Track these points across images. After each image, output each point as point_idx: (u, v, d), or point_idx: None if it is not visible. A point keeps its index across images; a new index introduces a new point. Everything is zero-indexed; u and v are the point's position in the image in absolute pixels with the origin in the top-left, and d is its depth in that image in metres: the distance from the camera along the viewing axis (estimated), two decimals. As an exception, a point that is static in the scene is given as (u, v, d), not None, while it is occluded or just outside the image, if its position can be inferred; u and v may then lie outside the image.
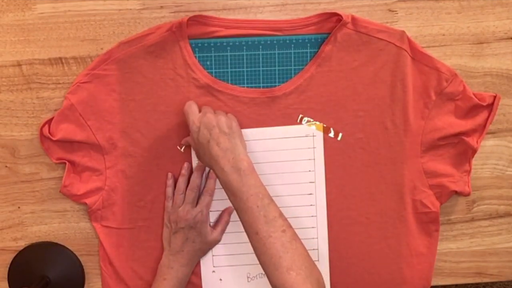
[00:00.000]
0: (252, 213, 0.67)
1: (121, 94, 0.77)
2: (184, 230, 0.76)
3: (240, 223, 0.80)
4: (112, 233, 0.80)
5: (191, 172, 0.78)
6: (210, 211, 0.80)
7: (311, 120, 0.78)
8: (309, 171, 0.79)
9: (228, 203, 0.80)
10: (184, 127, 0.78)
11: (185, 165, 0.78)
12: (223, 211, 0.80)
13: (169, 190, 0.78)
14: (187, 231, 0.76)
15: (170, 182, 0.78)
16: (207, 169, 0.79)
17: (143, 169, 0.79)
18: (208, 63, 0.78)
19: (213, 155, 0.69)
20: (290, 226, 0.68)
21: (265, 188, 0.69)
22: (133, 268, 0.80)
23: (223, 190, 0.79)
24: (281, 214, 0.68)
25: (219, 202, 0.80)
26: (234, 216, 0.80)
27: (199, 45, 0.77)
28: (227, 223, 0.80)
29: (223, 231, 0.79)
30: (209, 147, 0.69)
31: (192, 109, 0.72)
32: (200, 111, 0.73)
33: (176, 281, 0.76)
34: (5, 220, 0.82)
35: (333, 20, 0.77)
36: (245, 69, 0.78)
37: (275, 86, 0.78)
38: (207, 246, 0.78)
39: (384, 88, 0.77)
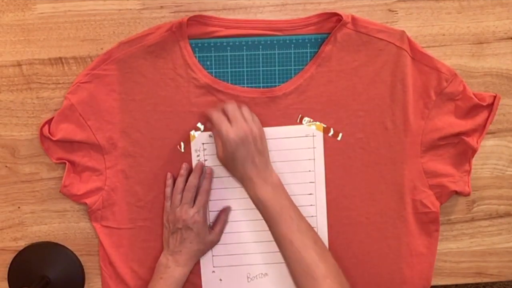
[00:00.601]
0: (286, 224, 0.70)
1: (121, 94, 0.77)
2: (182, 231, 0.76)
3: (240, 222, 0.80)
4: (112, 233, 0.80)
5: (190, 172, 0.78)
6: (210, 211, 0.80)
7: (311, 120, 0.78)
8: (309, 171, 0.79)
9: (226, 203, 0.80)
10: (184, 127, 0.78)
11: (184, 165, 0.78)
12: (220, 212, 0.80)
13: (168, 190, 0.78)
14: (184, 231, 0.76)
15: (169, 182, 0.78)
16: (205, 169, 0.79)
17: (143, 169, 0.79)
18: (208, 63, 0.78)
19: (247, 171, 0.72)
20: (320, 238, 0.72)
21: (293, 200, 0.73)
22: (133, 268, 0.80)
23: (221, 190, 0.79)
24: (311, 226, 0.72)
25: (219, 202, 0.80)
26: (234, 216, 0.80)
27: (199, 45, 0.77)
28: (225, 223, 0.80)
29: (221, 232, 0.79)
30: (243, 163, 0.72)
31: (222, 119, 0.72)
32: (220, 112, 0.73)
33: (173, 280, 0.75)
34: (5, 220, 0.82)
35: (333, 20, 0.77)
36: (245, 69, 0.78)
37: (275, 86, 0.78)
38: (206, 247, 0.78)
39: (384, 88, 0.77)
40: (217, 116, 0.73)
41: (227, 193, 0.80)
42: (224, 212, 0.80)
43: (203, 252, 0.79)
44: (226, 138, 0.71)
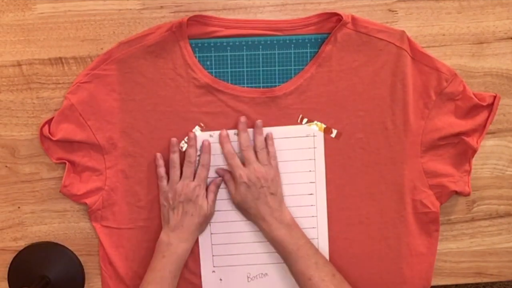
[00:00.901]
0: (304, 262, 0.72)
1: (121, 94, 0.77)
2: (183, 204, 0.75)
3: (240, 223, 0.80)
4: (112, 233, 0.80)
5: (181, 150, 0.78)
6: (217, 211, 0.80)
7: (312, 120, 0.78)
8: (310, 171, 0.79)
9: (226, 203, 0.80)
10: (184, 127, 0.78)
11: (173, 141, 0.77)
12: (210, 183, 0.79)
13: (161, 170, 0.77)
14: (186, 204, 0.75)
15: (160, 162, 0.78)
16: (199, 142, 0.78)
17: (143, 169, 0.79)
18: (208, 63, 0.78)
19: (261, 213, 0.75)
20: (337, 270, 0.74)
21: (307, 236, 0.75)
22: (133, 268, 0.80)
23: (221, 190, 0.79)
24: (327, 260, 0.74)
25: (219, 202, 0.80)
26: (234, 216, 0.80)
27: (199, 45, 0.77)
28: (215, 193, 0.79)
29: (214, 203, 0.78)
30: (257, 205, 0.74)
31: (236, 161, 0.75)
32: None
33: (176, 257, 0.74)
34: (5, 220, 0.82)
35: (333, 20, 0.77)
36: (245, 69, 0.78)
37: (275, 86, 0.78)
38: (205, 220, 0.77)
39: (384, 88, 0.77)
40: (230, 157, 0.76)
41: (228, 193, 0.80)
42: (214, 184, 0.79)
43: (202, 226, 0.78)
44: (239, 181, 0.75)
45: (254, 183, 0.74)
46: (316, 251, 0.74)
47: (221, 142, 0.77)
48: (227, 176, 0.78)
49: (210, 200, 0.78)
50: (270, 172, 0.75)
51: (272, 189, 0.75)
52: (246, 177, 0.74)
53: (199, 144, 0.78)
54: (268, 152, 0.77)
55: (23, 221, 0.82)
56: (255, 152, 0.76)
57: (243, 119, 0.76)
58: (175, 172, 0.77)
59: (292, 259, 0.73)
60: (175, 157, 0.77)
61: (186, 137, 0.78)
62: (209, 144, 0.78)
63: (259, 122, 0.77)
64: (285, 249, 0.74)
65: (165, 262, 0.74)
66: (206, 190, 0.78)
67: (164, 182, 0.77)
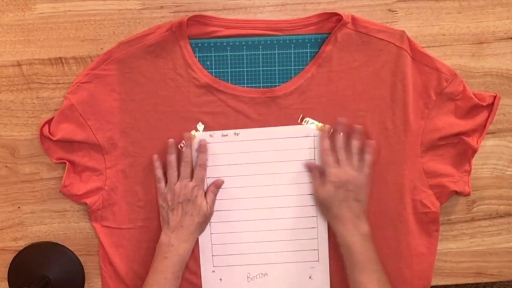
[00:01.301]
0: (367, 275, 0.72)
1: (121, 94, 0.77)
2: (182, 205, 0.75)
3: (240, 222, 0.80)
4: (112, 233, 0.80)
5: (178, 151, 0.78)
6: (217, 211, 0.80)
7: (312, 120, 0.78)
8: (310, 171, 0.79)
9: (226, 203, 0.80)
10: (184, 127, 0.78)
11: (170, 142, 0.77)
12: (211, 184, 0.79)
13: (159, 171, 0.77)
14: (185, 205, 0.75)
15: (157, 164, 0.78)
16: (195, 143, 0.78)
17: (143, 169, 0.79)
18: (208, 63, 0.78)
19: (342, 215, 0.74)
20: None
21: None
22: (133, 268, 0.80)
23: (222, 190, 0.79)
24: (388, 280, 0.73)
25: (220, 202, 0.80)
26: (235, 216, 0.80)
27: (199, 45, 0.77)
28: (215, 194, 0.79)
29: (213, 203, 0.78)
30: (340, 207, 0.74)
31: (331, 159, 0.75)
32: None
33: (178, 258, 0.74)
34: (5, 220, 0.82)
35: (333, 20, 0.77)
36: (245, 69, 0.78)
37: (275, 86, 0.78)
38: (204, 219, 0.77)
39: (384, 88, 0.77)
40: (326, 154, 0.76)
41: (228, 193, 0.80)
42: (215, 185, 0.79)
43: (202, 226, 0.78)
44: (329, 179, 0.74)
45: (343, 185, 0.74)
46: (382, 269, 0.73)
47: (321, 137, 0.77)
48: (315, 171, 0.78)
49: (210, 200, 0.77)
50: (361, 178, 0.75)
51: (359, 196, 0.74)
52: (337, 177, 0.74)
53: (196, 144, 0.78)
54: (363, 159, 0.76)
55: (23, 221, 0.82)
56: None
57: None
58: (172, 173, 0.77)
59: (357, 268, 0.72)
60: (172, 158, 0.77)
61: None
62: (206, 144, 0.78)
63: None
64: (354, 257, 0.73)
65: (167, 263, 0.74)
66: (206, 190, 0.78)
67: (162, 183, 0.77)
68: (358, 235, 0.73)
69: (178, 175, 0.77)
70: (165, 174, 0.78)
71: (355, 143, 0.76)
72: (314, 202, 0.79)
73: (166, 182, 0.77)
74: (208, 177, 0.79)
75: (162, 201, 0.77)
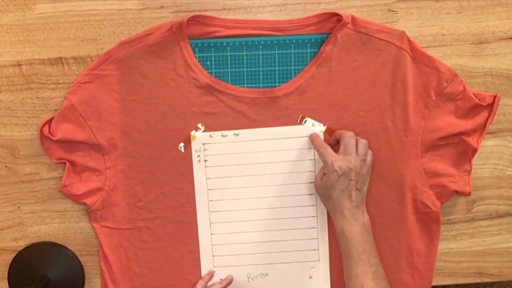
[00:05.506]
0: (363, 267, 0.70)
1: (121, 94, 0.77)
2: None
3: (240, 223, 0.80)
4: (111, 233, 0.80)
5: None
6: (211, 211, 0.80)
7: (312, 120, 0.78)
8: (310, 171, 0.79)
9: (226, 204, 0.80)
10: (184, 127, 0.78)
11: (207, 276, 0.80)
12: (223, 280, 0.80)
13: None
14: None
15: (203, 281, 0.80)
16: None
17: (143, 169, 0.79)
18: (208, 63, 0.78)
19: (341, 205, 0.72)
20: None
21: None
22: (133, 268, 0.80)
23: (223, 190, 0.79)
24: (386, 276, 0.72)
25: (220, 202, 0.80)
26: (235, 216, 0.80)
27: (199, 45, 0.77)
28: None
29: None
30: (340, 196, 0.72)
31: (328, 150, 0.74)
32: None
33: None
34: (5, 220, 0.82)
35: (333, 20, 0.77)
36: (245, 69, 0.78)
37: (275, 86, 0.78)
38: None
39: (384, 88, 0.77)
40: (322, 147, 0.75)
41: (228, 193, 0.80)
42: (226, 281, 0.80)
43: None
44: (330, 169, 0.72)
45: (345, 174, 0.72)
46: (379, 263, 0.72)
47: (312, 137, 0.77)
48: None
49: None
50: (364, 167, 0.74)
51: (359, 185, 0.73)
52: (338, 166, 0.72)
53: (196, 145, 0.78)
54: (366, 150, 0.75)
55: (23, 221, 0.82)
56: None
57: None
58: None
59: (352, 260, 0.71)
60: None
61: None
62: (232, 278, 0.81)
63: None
64: (350, 248, 0.71)
65: None
66: None
67: None
68: (357, 224, 0.72)
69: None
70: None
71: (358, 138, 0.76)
72: (314, 191, 0.79)
73: None
74: (208, 178, 0.79)
75: None
